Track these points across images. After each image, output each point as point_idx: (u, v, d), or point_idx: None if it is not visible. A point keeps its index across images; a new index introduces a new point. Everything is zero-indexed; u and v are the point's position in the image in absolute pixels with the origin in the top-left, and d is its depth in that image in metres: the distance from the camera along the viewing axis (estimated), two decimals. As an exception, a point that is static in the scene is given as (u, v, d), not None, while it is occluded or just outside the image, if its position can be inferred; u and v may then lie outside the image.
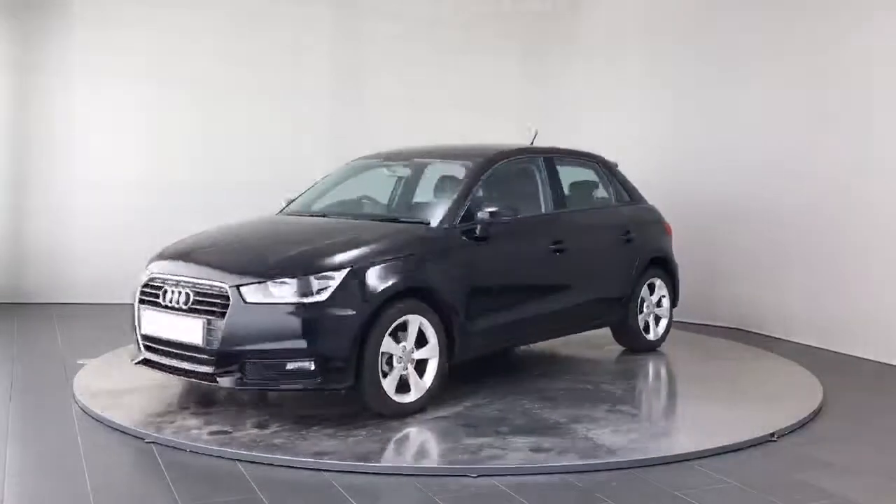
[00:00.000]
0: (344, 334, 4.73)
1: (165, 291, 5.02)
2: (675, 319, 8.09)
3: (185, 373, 4.93)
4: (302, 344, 4.70)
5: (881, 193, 6.88)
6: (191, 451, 4.45)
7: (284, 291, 4.73)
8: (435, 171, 6.26)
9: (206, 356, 4.75)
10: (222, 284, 4.79)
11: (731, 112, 8.15)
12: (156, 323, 5.04)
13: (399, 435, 4.73)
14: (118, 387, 5.67)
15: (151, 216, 9.03)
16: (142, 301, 5.16)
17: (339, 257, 4.90)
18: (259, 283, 4.75)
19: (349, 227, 5.55)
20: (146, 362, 5.18)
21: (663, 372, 6.53)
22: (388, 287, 4.89)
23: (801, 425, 5.07)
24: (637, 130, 9.01)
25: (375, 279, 4.88)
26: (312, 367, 4.68)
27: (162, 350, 5.03)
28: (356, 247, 5.02)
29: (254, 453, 4.36)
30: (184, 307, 4.89)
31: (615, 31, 9.32)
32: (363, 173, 6.60)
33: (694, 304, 8.43)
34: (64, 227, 8.91)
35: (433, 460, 4.47)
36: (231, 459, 4.34)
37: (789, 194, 7.64)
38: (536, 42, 10.02)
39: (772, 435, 4.81)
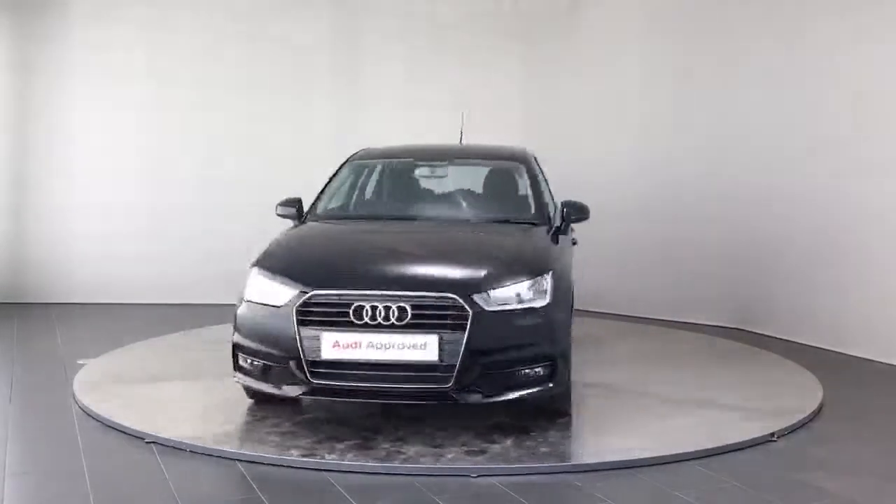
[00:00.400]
0: (567, 335, 4.78)
1: (361, 308, 4.43)
2: (675, 319, 8.09)
3: (402, 395, 4.54)
4: (540, 349, 4.62)
5: (881, 193, 6.87)
6: (191, 451, 4.45)
7: (513, 297, 4.60)
8: (483, 170, 6.27)
9: (441, 373, 4.41)
10: (451, 295, 4.46)
11: (731, 111, 8.15)
12: (349, 345, 4.43)
13: (621, 426, 4.86)
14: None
15: (151, 216, 9.06)
16: (305, 323, 4.50)
17: (545, 260, 4.87)
18: (488, 290, 4.55)
19: (485, 229, 5.47)
20: (318, 391, 4.56)
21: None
22: (572, 285, 4.99)
23: (801, 425, 5.06)
24: (636, 130, 9.01)
25: (566, 279, 4.96)
26: (543, 372, 4.61)
27: (360, 375, 4.47)
28: (536, 249, 5.01)
29: (252, 453, 4.37)
30: (399, 324, 4.41)
31: (615, 31, 9.32)
32: (388, 173, 6.39)
33: (694, 304, 8.44)
34: (64, 227, 8.92)
35: (719, 440, 4.58)
36: (231, 459, 4.33)
37: (790, 193, 7.64)
38: (536, 42, 10.02)
39: (772, 435, 4.81)
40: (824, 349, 7.25)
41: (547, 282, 4.72)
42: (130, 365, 6.27)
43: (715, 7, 8.38)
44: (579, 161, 8.84)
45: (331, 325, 4.47)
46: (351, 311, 4.45)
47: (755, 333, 7.93)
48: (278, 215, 5.94)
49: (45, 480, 4.15)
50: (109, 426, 4.85)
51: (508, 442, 4.56)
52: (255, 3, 9.33)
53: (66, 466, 4.27)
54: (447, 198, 6.18)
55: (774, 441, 4.77)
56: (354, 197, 6.13)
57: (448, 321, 4.42)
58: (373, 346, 4.41)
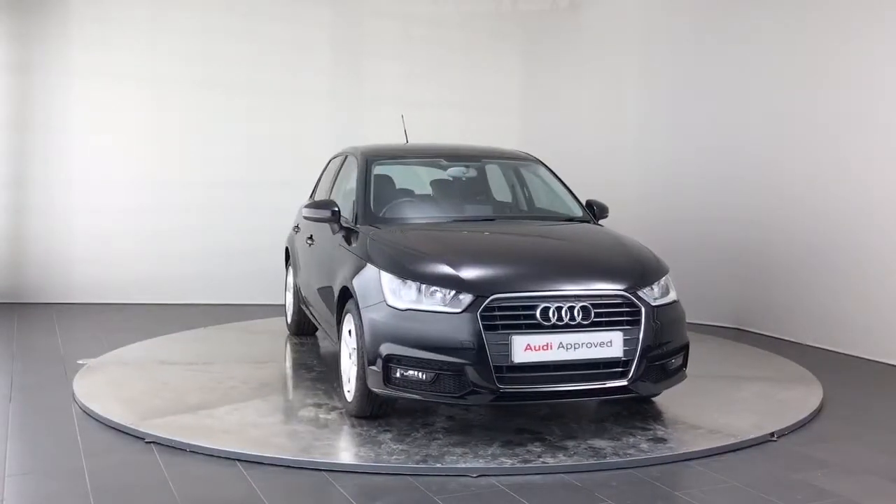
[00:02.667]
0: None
1: (547, 310, 4.44)
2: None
3: (585, 394, 4.61)
4: (681, 339, 4.94)
5: (881, 194, 6.87)
6: (191, 451, 4.45)
7: (661, 292, 4.85)
8: (505, 170, 6.37)
9: (620, 368, 4.54)
10: (623, 292, 4.62)
11: (731, 111, 8.14)
12: (540, 348, 4.40)
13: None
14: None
15: (151, 216, 9.05)
16: (488, 327, 4.40)
17: (659, 257, 5.17)
18: (648, 287, 4.75)
19: (574, 229, 5.65)
20: (506, 398, 4.44)
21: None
22: None
23: (801, 425, 5.07)
24: (636, 130, 9.01)
25: None
26: (680, 361, 4.94)
27: (547, 377, 4.46)
28: (645, 246, 5.28)
29: (252, 453, 4.36)
30: (584, 323, 4.48)
31: (615, 31, 9.32)
32: (421, 174, 6.36)
33: (694, 304, 8.43)
34: (63, 227, 8.92)
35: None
36: (231, 459, 4.33)
37: (789, 194, 7.64)
38: (536, 42, 10.02)
39: (772, 435, 4.82)
40: (824, 349, 7.25)
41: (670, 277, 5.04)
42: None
43: (714, 7, 8.38)
44: (578, 161, 8.82)
45: (518, 329, 4.42)
46: (538, 313, 4.43)
47: (755, 333, 7.93)
48: (306, 217, 5.74)
49: (45, 480, 4.15)
50: (109, 426, 4.85)
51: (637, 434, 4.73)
52: (255, 3, 9.32)
53: (66, 466, 4.27)
54: (501, 196, 6.28)
55: (774, 441, 4.78)
56: (404, 199, 5.92)
57: (625, 317, 4.58)
58: (563, 347, 4.42)
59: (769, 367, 6.55)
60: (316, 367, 6.22)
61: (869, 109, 6.99)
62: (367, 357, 4.63)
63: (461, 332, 4.40)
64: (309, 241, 6.36)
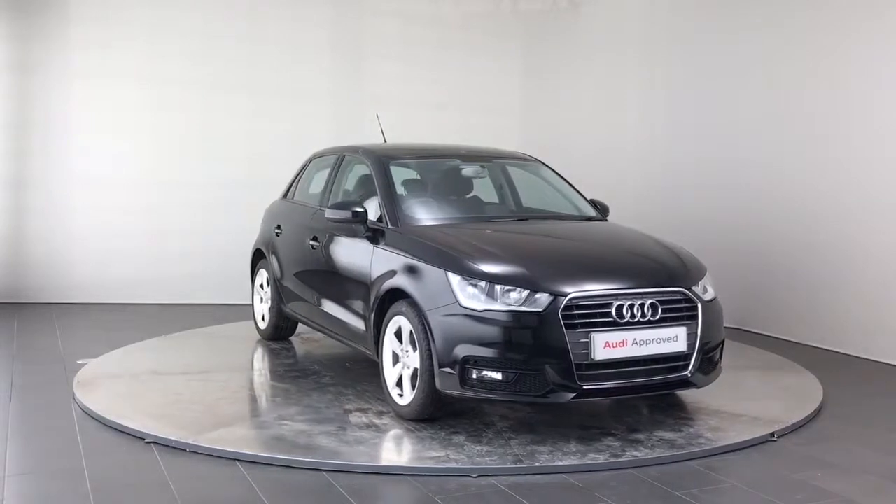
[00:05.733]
0: None
1: (621, 307, 4.57)
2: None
3: (653, 387, 4.78)
4: (722, 334, 5.11)
5: (880, 194, 6.87)
6: (191, 451, 4.45)
7: (706, 288, 5.04)
8: (516, 170, 6.43)
9: (683, 362, 4.75)
10: (681, 289, 4.82)
11: (730, 112, 8.14)
12: (617, 344, 4.52)
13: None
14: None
15: (151, 215, 9.06)
16: (569, 326, 4.47)
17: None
18: (697, 284, 4.94)
19: (606, 228, 5.77)
20: (587, 394, 4.53)
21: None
22: None
23: (801, 425, 5.07)
24: (636, 130, 9.01)
25: None
26: (718, 357, 5.08)
27: (622, 373, 4.59)
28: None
29: (252, 453, 4.36)
30: (654, 319, 4.64)
31: (615, 31, 9.32)
32: (438, 174, 6.31)
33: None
34: (64, 226, 8.92)
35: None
36: (231, 459, 4.34)
37: (789, 194, 7.64)
38: (536, 42, 10.02)
39: (772, 435, 4.82)
40: (824, 349, 7.25)
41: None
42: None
43: (714, 7, 8.38)
44: (578, 161, 8.83)
45: (595, 326, 4.53)
46: (613, 310, 4.56)
47: (755, 333, 7.93)
48: (330, 219, 5.61)
49: (45, 480, 4.16)
50: (109, 426, 4.85)
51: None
52: (256, 3, 9.33)
53: (66, 466, 4.27)
54: (520, 196, 6.34)
55: (774, 441, 4.78)
56: (430, 199, 5.86)
57: (685, 313, 4.78)
58: (636, 343, 4.57)
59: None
60: (324, 372, 6.09)
61: (868, 111, 6.99)
62: (438, 359, 4.59)
63: (543, 331, 4.46)
64: (313, 243, 6.18)
